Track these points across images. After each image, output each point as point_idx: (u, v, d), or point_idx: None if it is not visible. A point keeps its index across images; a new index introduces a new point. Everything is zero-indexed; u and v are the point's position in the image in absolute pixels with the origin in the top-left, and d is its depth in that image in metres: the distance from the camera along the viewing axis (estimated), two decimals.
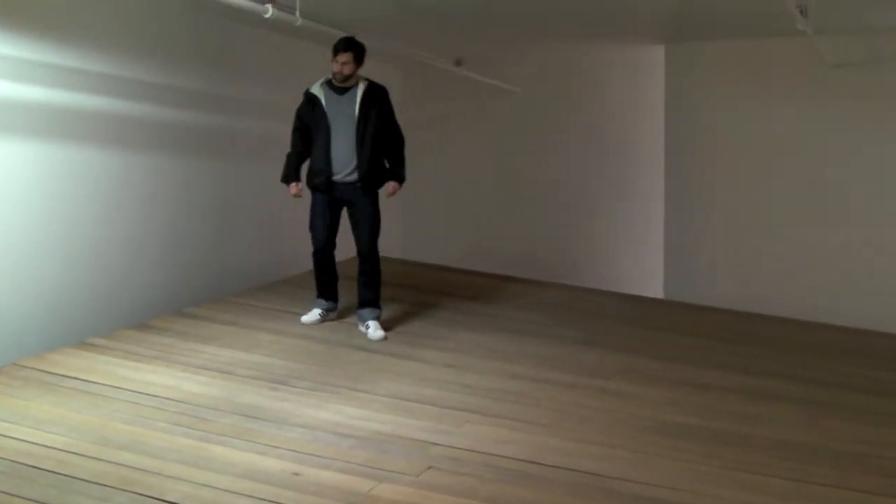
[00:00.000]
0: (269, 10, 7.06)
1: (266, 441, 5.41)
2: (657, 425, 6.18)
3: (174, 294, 8.55)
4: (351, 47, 7.79)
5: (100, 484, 4.71)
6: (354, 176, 7.93)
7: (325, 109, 7.91)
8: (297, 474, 4.96)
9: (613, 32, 11.32)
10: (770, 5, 7.86)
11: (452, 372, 7.07)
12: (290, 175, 8.13)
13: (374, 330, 8.00)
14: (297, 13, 7.33)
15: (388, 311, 8.44)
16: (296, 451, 5.28)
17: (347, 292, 8.72)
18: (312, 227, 8.18)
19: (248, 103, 9.99)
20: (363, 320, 8.12)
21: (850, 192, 11.31)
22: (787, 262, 11.60)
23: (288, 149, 8.22)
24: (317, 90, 7.97)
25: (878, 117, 11.12)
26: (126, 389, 6.13)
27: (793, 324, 9.88)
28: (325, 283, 8.35)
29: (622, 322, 9.35)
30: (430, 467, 5.17)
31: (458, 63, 11.78)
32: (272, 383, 6.45)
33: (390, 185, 8.16)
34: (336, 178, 7.95)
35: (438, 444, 5.53)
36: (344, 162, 7.92)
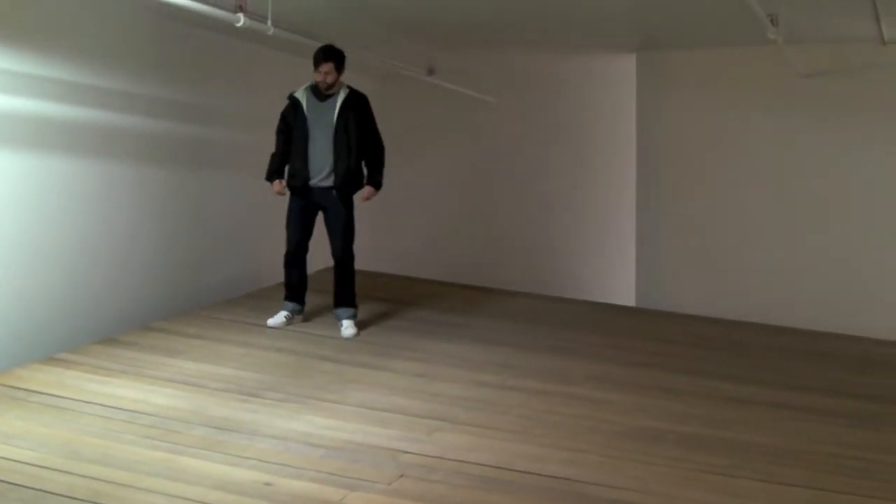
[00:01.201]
0: (241, 19, 7.04)
1: (237, 452, 5.39)
2: (627, 430, 6.21)
3: (141, 308, 8.50)
4: (332, 56, 8.01)
5: (70, 497, 4.68)
6: (330, 181, 8.12)
7: (306, 114, 8.11)
8: (268, 484, 4.95)
9: (586, 42, 11.36)
10: (741, 15, 7.90)
11: (422, 381, 7.07)
12: (273, 173, 8.31)
13: (346, 328, 8.26)
14: (269, 22, 7.32)
15: (357, 323, 8.46)
16: (267, 462, 5.26)
17: (321, 303, 8.84)
18: (287, 229, 8.36)
19: (219, 113, 9.98)
20: (339, 319, 8.37)
21: (820, 199, 11.40)
22: (758, 270, 11.68)
23: (262, 155, 8.39)
24: (300, 94, 8.17)
25: (848, 126, 11.23)
26: (95, 403, 6.08)
27: (761, 329, 9.97)
28: (294, 286, 8.52)
29: (591, 330, 9.37)
30: (401, 475, 5.17)
31: (431, 72, 11.79)
32: (242, 395, 6.43)
33: (366, 191, 8.34)
34: (312, 182, 8.14)
35: (409, 453, 5.53)
36: (320, 167, 8.11)
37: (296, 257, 8.41)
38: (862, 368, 8.48)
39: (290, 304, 8.51)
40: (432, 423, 6.10)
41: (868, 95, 11.11)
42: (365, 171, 8.34)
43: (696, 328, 9.89)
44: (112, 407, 6.04)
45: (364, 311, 8.85)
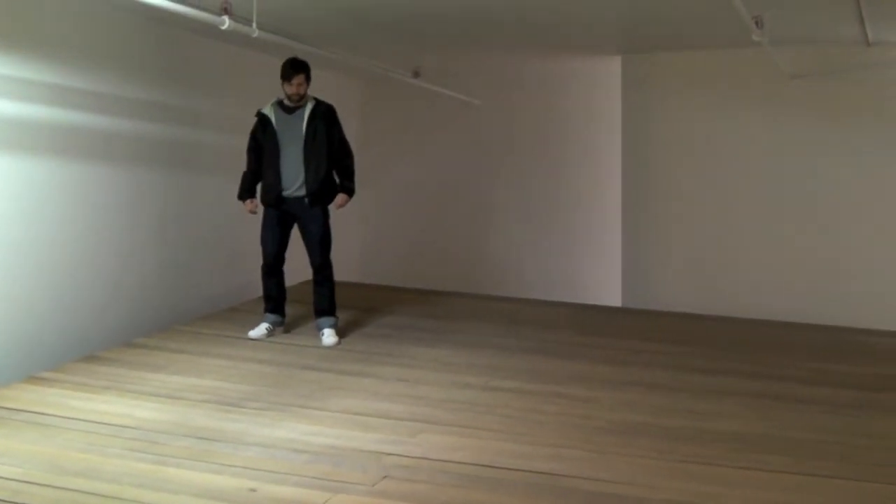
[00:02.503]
0: (226, 22, 7.00)
1: (221, 460, 5.39)
2: (611, 425, 6.25)
3: (122, 325, 8.49)
4: (302, 68, 8.11)
5: None
6: (302, 191, 8.19)
7: (276, 128, 8.19)
8: (253, 490, 4.95)
9: (571, 44, 11.37)
10: (726, 17, 7.94)
11: (405, 385, 7.09)
12: (244, 192, 8.39)
13: (327, 336, 8.31)
14: (254, 25, 7.30)
15: (339, 332, 8.48)
16: (251, 469, 5.26)
17: (302, 314, 8.92)
18: (263, 241, 8.42)
19: (205, 117, 10.05)
20: (320, 329, 8.39)
21: (806, 199, 11.45)
22: (744, 270, 11.70)
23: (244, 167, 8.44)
24: (268, 110, 8.26)
25: (833, 127, 11.32)
26: (78, 419, 6.07)
27: (744, 323, 10.05)
28: (273, 298, 8.57)
29: (574, 330, 9.40)
30: (385, 477, 5.18)
31: (417, 74, 11.77)
32: (225, 406, 6.42)
33: (339, 198, 8.39)
34: (286, 193, 8.22)
35: (393, 455, 5.54)
36: (293, 178, 8.20)
37: (273, 268, 8.48)
38: (843, 357, 8.54)
39: (271, 316, 8.56)
40: (416, 425, 6.11)
41: (853, 96, 11.21)
42: (337, 179, 8.40)
43: (679, 325, 9.94)
44: (95, 422, 6.03)
45: (346, 320, 8.91)
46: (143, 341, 8.19)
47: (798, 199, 11.50)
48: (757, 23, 8.16)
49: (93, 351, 7.81)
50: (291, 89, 8.10)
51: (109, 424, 5.99)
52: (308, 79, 8.16)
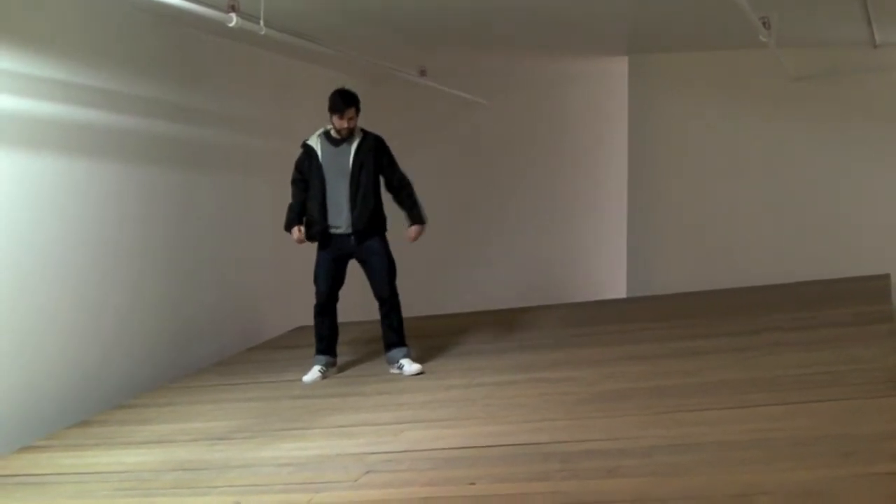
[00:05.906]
0: (233, 20, 7.00)
1: (207, 484, 5.42)
2: (592, 396, 6.33)
3: (115, 389, 8.43)
4: (354, 101, 7.76)
5: None
6: (350, 228, 7.85)
7: (321, 161, 7.86)
8: (237, 503, 4.97)
9: (579, 44, 11.47)
10: (733, 18, 8.02)
11: (388, 397, 7.15)
12: (292, 221, 8.04)
13: (408, 365, 7.90)
14: (262, 22, 7.29)
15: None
16: (236, 486, 5.30)
17: (289, 357, 8.96)
18: (316, 279, 8.09)
19: (212, 117, 9.83)
20: (394, 361, 8.00)
21: (810, 200, 11.53)
22: (749, 273, 11.67)
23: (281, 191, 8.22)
24: (313, 142, 7.92)
25: (837, 128, 11.46)
26: (70, 473, 6.08)
27: (724, 293, 10.28)
28: (325, 338, 8.19)
29: (557, 325, 9.44)
30: (367, 472, 5.23)
31: (423, 73, 11.67)
32: (211, 440, 6.42)
33: (412, 231, 8.04)
34: (332, 230, 7.89)
35: (376, 453, 5.60)
36: (338, 214, 7.86)
37: (326, 307, 8.13)
38: (826, 303, 8.72)
39: (323, 357, 8.17)
40: (399, 426, 6.17)
41: (858, 98, 11.36)
42: (402, 211, 8.08)
43: (660, 305, 10.08)
44: (86, 472, 6.04)
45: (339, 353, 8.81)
46: (132, 402, 8.14)
47: (804, 200, 11.57)
48: (764, 24, 8.26)
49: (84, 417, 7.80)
50: (342, 123, 7.74)
51: (99, 472, 6.01)
52: (358, 111, 7.85)
